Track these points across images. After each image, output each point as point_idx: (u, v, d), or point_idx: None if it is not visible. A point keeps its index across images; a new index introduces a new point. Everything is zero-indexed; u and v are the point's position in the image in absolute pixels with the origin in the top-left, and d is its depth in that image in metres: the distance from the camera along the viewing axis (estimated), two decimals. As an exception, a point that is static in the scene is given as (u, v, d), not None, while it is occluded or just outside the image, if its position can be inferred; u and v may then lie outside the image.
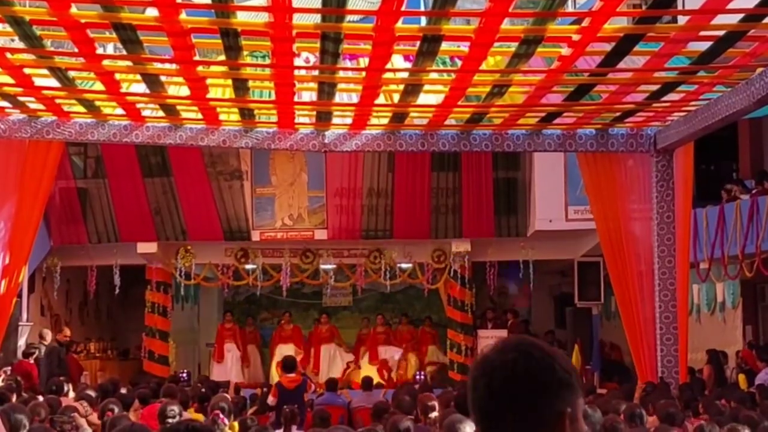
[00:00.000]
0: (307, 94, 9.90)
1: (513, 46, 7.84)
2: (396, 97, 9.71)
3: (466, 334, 17.47)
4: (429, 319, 19.28)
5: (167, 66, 8.71)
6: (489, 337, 17.38)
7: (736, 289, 14.72)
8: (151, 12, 7.49)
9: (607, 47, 7.93)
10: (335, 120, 10.59)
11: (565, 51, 7.99)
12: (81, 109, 10.13)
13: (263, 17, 7.60)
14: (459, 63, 8.71)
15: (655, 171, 10.99)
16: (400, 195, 16.48)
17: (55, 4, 6.82)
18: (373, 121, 10.63)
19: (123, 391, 10.35)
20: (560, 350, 1.99)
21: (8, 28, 7.44)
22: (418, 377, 16.78)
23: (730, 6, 6.78)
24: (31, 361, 13.38)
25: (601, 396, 10.84)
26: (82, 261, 17.34)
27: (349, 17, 7.37)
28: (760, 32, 7.51)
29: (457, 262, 17.14)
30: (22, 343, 15.44)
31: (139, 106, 10.12)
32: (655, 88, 9.17)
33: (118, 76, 8.90)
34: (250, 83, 9.15)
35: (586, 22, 7.32)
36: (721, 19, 7.19)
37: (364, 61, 8.95)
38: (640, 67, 8.57)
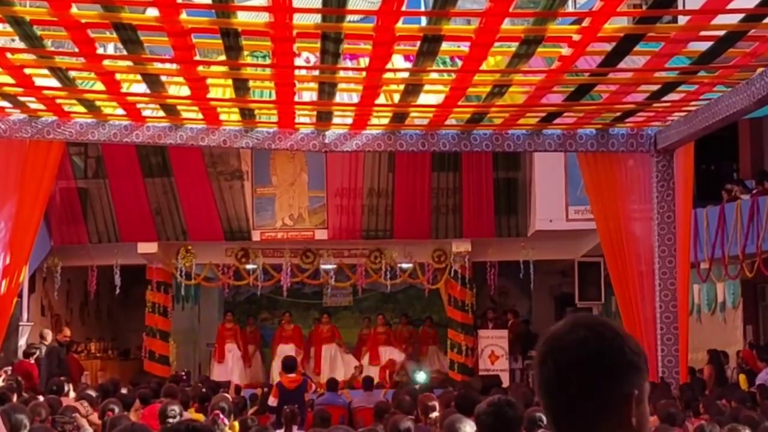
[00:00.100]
0: (308, 94, 9.89)
1: (513, 46, 7.84)
2: (396, 97, 9.71)
3: (467, 334, 17.47)
4: (429, 319, 19.29)
5: (168, 66, 8.71)
6: (489, 337, 17.40)
7: (736, 289, 14.72)
8: (152, 12, 7.49)
9: (608, 47, 7.92)
10: (336, 120, 10.59)
11: (566, 51, 7.99)
12: (81, 109, 10.13)
13: (264, 17, 7.60)
14: (459, 63, 8.71)
15: (656, 171, 10.99)
16: (401, 195, 16.48)
17: (55, 4, 6.82)
18: (374, 121, 10.63)
19: (123, 391, 10.34)
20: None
21: (9, 28, 7.44)
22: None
23: (731, 6, 6.78)
24: (32, 361, 13.38)
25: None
26: (83, 261, 17.34)
27: (349, 17, 7.37)
28: (760, 32, 7.51)
29: (458, 262, 17.14)
30: (22, 343, 15.44)
31: (139, 106, 10.12)
32: (655, 88, 9.17)
33: (118, 76, 8.90)
34: (251, 83, 9.15)
35: (586, 22, 7.31)
36: (721, 19, 7.19)
37: (364, 61, 8.94)
38: (641, 67, 8.57)
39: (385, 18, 7.05)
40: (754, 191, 12.93)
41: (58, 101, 9.83)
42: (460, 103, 9.67)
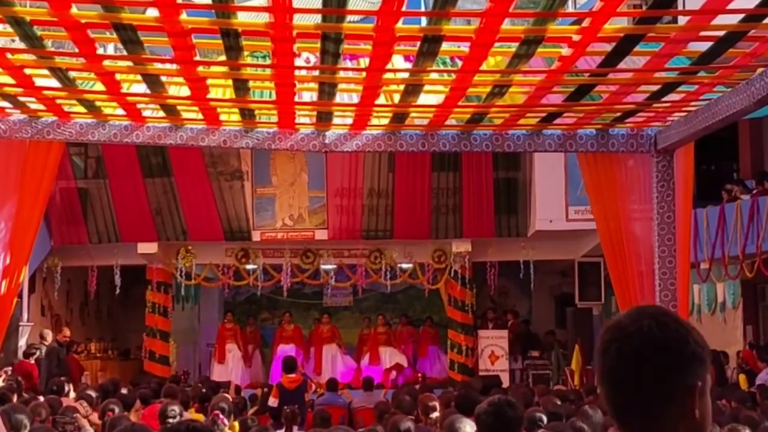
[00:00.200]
0: (308, 94, 9.88)
1: (513, 47, 7.83)
2: (396, 98, 9.70)
3: (467, 335, 17.48)
4: (430, 319, 19.30)
5: (168, 66, 8.70)
6: (489, 337, 17.42)
7: (736, 290, 14.73)
8: (152, 12, 7.49)
9: (608, 47, 7.91)
10: (336, 120, 10.57)
11: (566, 51, 7.98)
12: (81, 109, 10.13)
13: (264, 18, 7.59)
14: (459, 63, 8.70)
15: (656, 171, 10.97)
16: (401, 195, 16.48)
17: (55, 4, 6.82)
18: (374, 121, 10.61)
19: (124, 391, 10.35)
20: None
21: (9, 29, 7.44)
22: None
23: (731, 6, 6.77)
24: (32, 362, 13.40)
25: (602, 396, 10.84)
26: (83, 261, 17.36)
27: (349, 17, 7.36)
28: (760, 32, 7.50)
29: (458, 262, 17.15)
30: (22, 343, 15.45)
31: (139, 106, 10.11)
32: (655, 88, 9.16)
33: (118, 76, 8.89)
34: (251, 83, 9.14)
35: (586, 23, 7.31)
36: (721, 20, 7.18)
37: (364, 62, 8.93)
38: (641, 67, 8.56)
39: (385, 18, 7.04)
40: (754, 191, 12.94)
41: (58, 101, 9.82)
42: (460, 103, 9.66)
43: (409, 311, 20.41)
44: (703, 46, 7.91)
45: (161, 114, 10.40)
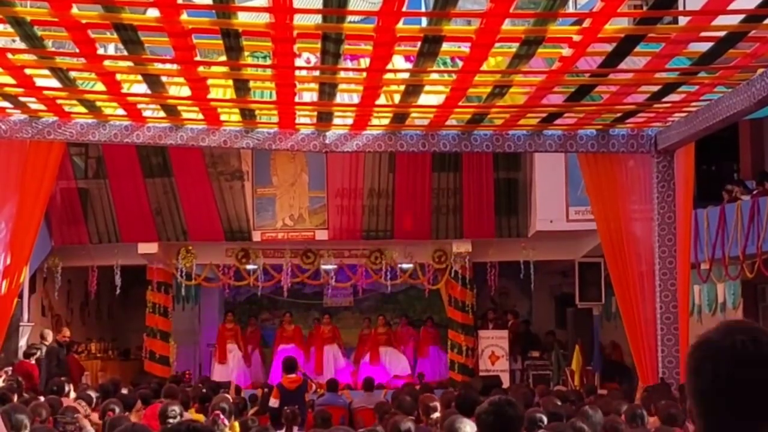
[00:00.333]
0: (308, 94, 9.89)
1: (514, 47, 7.84)
2: (397, 98, 9.71)
3: (467, 335, 17.48)
4: (430, 319, 19.29)
5: (168, 66, 8.71)
6: (490, 338, 17.41)
7: (737, 290, 14.71)
8: (152, 13, 7.49)
9: (608, 48, 7.92)
10: (336, 120, 10.58)
11: (566, 52, 7.99)
12: (82, 109, 10.14)
13: (264, 18, 7.60)
14: (460, 64, 8.71)
15: (656, 171, 10.98)
16: (401, 195, 16.49)
17: (56, 4, 6.82)
18: (374, 121, 10.62)
19: (124, 391, 10.35)
20: None
21: (9, 29, 7.45)
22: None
23: (731, 7, 6.78)
24: (33, 362, 13.39)
25: (602, 396, 10.85)
26: (83, 261, 17.35)
27: (350, 18, 7.37)
28: (760, 33, 7.51)
29: (458, 262, 17.14)
30: (23, 343, 15.45)
31: (140, 106, 10.13)
32: (656, 88, 9.17)
33: (119, 76, 8.90)
34: (251, 84, 9.15)
35: (587, 23, 7.31)
36: (721, 20, 7.19)
37: (364, 62, 8.94)
38: (641, 67, 8.57)
39: (385, 19, 7.05)
40: (755, 192, 12.92)
41: (59, 102, 9.83)
42: (460, 103, 9.67)
43: (409, 311, 20.40)
44: (704, 47, 7.92)
45: (162, 114, 10.41)
